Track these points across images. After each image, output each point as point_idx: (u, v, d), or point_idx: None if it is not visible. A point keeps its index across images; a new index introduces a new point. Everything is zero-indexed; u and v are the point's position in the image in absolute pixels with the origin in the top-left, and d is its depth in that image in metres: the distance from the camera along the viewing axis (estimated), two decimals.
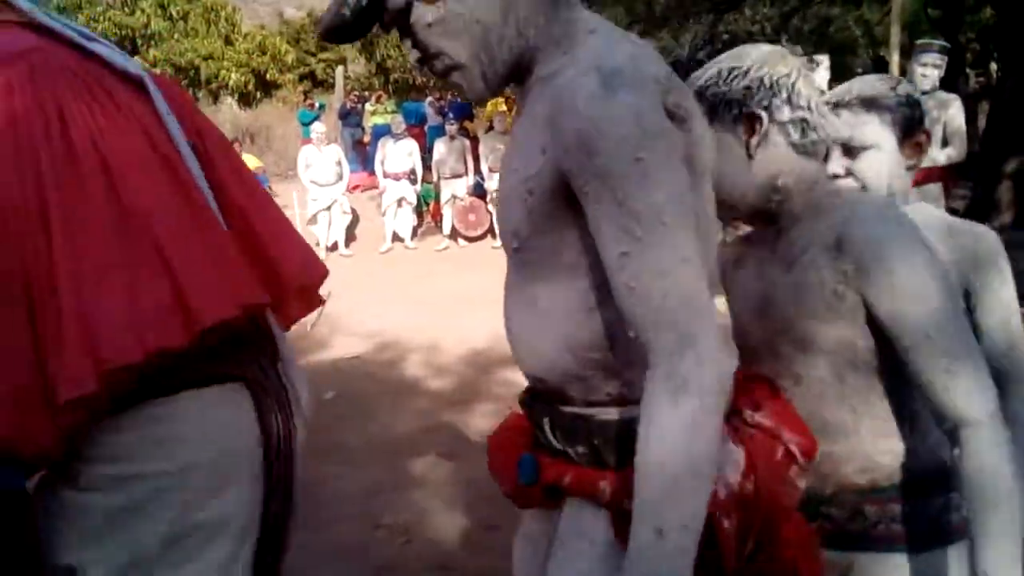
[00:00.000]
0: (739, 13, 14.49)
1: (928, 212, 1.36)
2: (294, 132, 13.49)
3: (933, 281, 1.00)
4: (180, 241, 0.96)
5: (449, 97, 11.48)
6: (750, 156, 1.09)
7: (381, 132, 9.97)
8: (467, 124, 10.58)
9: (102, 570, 0.96)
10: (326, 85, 19.00)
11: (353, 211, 9.20)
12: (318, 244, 8.64)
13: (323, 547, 2.66)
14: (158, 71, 18.66)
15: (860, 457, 1.11)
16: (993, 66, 13.49)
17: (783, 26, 15.88)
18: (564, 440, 0.96)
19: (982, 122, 7.97)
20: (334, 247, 8.80)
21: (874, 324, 1.04)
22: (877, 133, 1.32)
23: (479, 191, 8.79)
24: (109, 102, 0.99)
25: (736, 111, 1.09)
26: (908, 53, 5.38)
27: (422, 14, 0.91)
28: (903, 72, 6.58)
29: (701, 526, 0.80)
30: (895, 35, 7.88)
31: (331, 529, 2.77)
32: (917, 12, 11.87)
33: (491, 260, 6.56)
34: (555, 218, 0.89)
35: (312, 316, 1.35)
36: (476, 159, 8.88)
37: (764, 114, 1.07)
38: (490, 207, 8.43)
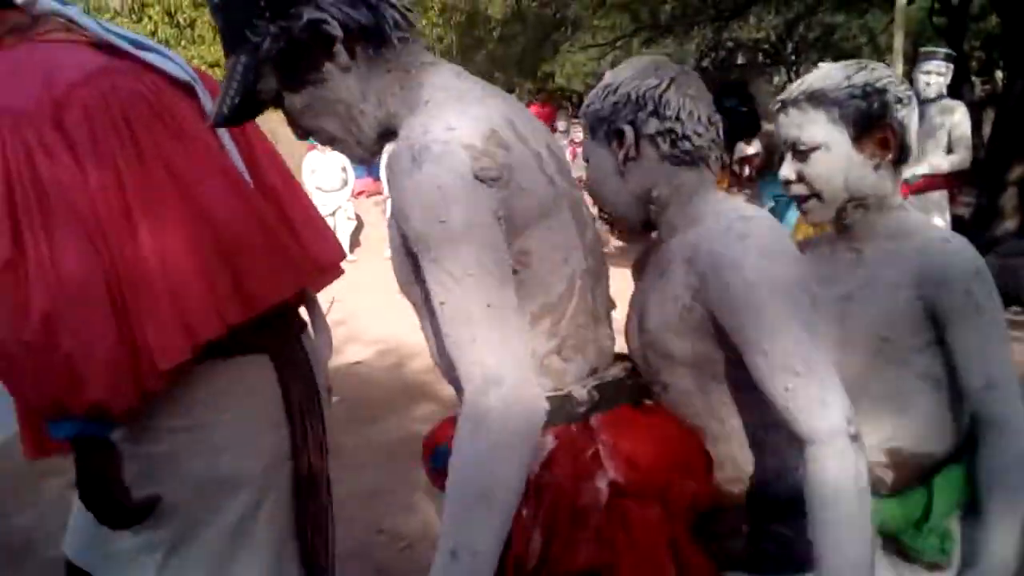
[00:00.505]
0: (743, 21, 14.53)
1: (914, 224, 1.23)
2: None
3: (769, 297, 0.95)
4: (239, 238, 1.18)
5: None
6: (622, 171, 1.09)
7: None
8: None
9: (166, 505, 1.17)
10: None
11: (358, 217, 9.23)
12: None
13: None
14: None
15: (730, 464, 1.07)
16: (999, 74, 13.49)
17: (787, 34, 15.92)
18: None
19: (987, 130, 7.97)
20: None
21: (728, 338, 1.00)
22: (824, 131, 1.18)
23: None
24: (172, 121, 1.18)
25: (606, 127, 1.09)
26: (913, 61, 5.39)
27: (292, 102, 1.01)
28: (908, 80, 6.56)
29: (495, 552, 0.88)
30: (899, 42, 7.88)
31: None
32: (922, 20, 11.88)
33: None
34: (414, 272, 0.99)
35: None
36: None
37: (628, 128, 1.07)
38: None
